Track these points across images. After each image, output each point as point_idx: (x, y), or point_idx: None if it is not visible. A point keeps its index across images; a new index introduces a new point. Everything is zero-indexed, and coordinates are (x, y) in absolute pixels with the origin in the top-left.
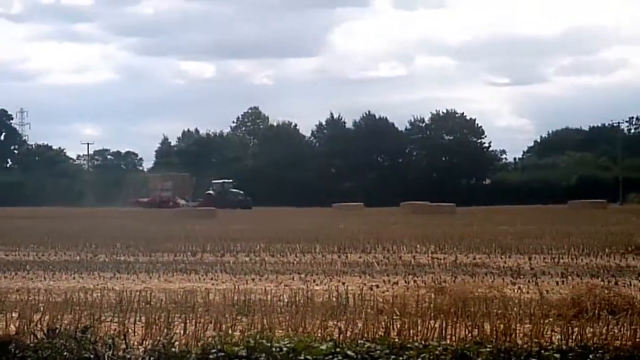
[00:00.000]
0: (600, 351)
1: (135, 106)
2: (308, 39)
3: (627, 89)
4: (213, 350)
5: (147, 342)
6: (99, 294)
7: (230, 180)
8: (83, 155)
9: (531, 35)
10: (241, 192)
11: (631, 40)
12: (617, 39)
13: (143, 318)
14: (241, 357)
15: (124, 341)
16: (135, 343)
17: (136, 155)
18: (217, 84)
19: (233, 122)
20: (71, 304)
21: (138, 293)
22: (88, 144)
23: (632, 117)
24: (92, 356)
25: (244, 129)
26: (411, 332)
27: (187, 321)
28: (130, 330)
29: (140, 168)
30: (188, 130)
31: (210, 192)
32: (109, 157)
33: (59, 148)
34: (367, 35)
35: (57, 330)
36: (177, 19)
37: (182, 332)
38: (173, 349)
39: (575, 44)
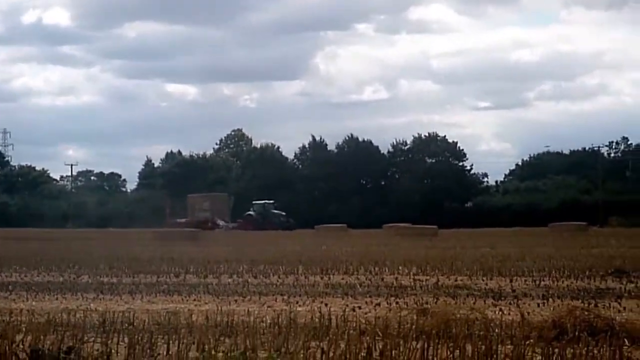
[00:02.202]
0: None
1: (119, 128)
2: (292, 62)
3: (606, 114)
4: None
5: None
6: (82, 315)
7: (272, 201)
8: (66, 176)
9: (513, 60)
10: (283, 213)
11: (610, 66)
12: (597, 65)
13: (126, 339)
14: None
15: None
16: None
17: (119, 176)
18: (201, 107)
19: (216, 144)
20: (54, 324)
21: (121, 314)
22: (72, 165)
23: (612, 142)
24: None
25: (227, 151)
26: (393, 353)
27: (170, 342)
28: (113, 351)
29: (124, 189)
30: (171, 152)
31: (251, 213)
32: (92, 178)
33: (43, 169)
34: (350, 59)
35: (40, 351)
36: (161, 42)
37: (165, 352)
38: None
39: (556, 69)
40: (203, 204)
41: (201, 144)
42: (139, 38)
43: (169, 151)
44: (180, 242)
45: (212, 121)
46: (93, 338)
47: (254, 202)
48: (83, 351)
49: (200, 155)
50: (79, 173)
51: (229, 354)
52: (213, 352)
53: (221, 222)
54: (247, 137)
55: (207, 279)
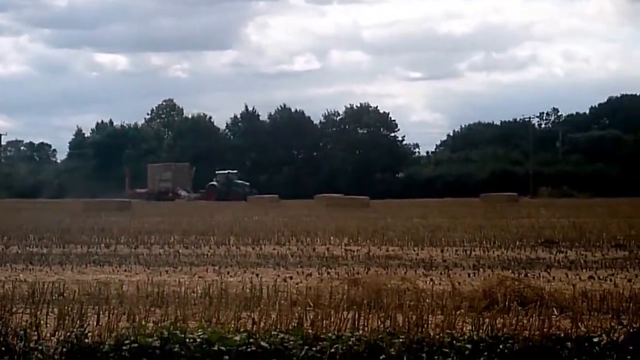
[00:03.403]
0: (510, 341)
1: (49, 98)
2: (223, 32)
3: (536, 85)
4: (127, 342)
5: (59, 334)
6: (11, 286)
7: (235, 171)
8: None
9: (444, 31)
10: (247, 183)
11: (541, 37)
12: (527, 37)
13: (56, 309)
14: (155, 349)
15: (36, 333)
16: (48, 335)
17: (50, 146)
18: (131, 77)
19: (147, 114)
20: None
21: (51, 284)
22: (0, 135)
23: (542, 113)
24: (3, 348)
25: (158, 121)
26: (324, 323)
27: (101, 312)
28: (42, 321)
29: (54, 159)
30: (102, 122)
31: (214, 183)
32: (22, 148)
33: None
34: (281, 29)
35: None
36: (91, 11)
37: (95, 323)
38: (86, 341)
39: (487, 40)
40: (164, 174)
41: (132, 114)
42: (69, 6)
43: (100, 121)
44: (111, 212)
45: (143, 91)
46: (22, 309)
47: (217, 171)
48: (11, 322)
49: (132, 126)
50: (9, 143)
51: (159, 324)
52: (143, 323)
53: (183, 193)
54: (179, 107)
55: (138, 250)
